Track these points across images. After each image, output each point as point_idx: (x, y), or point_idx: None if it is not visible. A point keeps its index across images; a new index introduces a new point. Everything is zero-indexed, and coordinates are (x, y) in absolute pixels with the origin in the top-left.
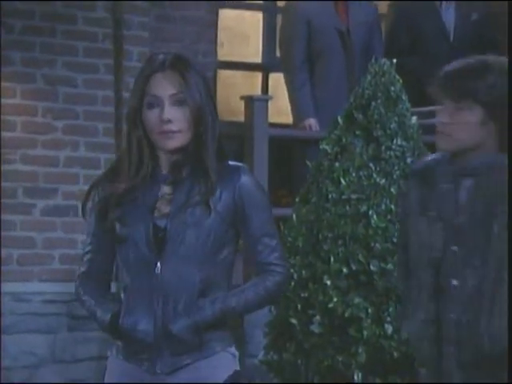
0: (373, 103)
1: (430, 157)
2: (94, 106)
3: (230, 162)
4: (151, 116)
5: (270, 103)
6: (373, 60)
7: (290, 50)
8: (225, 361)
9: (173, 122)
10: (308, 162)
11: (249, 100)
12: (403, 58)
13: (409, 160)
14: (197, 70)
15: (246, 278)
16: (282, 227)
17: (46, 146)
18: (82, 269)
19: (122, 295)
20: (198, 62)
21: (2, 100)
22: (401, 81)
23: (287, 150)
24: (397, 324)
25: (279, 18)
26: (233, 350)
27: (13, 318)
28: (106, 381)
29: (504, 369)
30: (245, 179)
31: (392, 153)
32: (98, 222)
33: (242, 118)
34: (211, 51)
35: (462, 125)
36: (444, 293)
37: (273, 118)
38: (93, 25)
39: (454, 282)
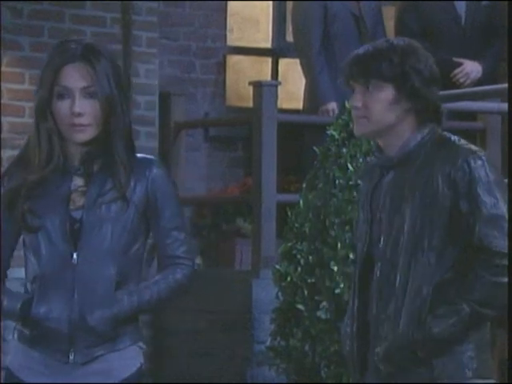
0: None
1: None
2: None
3: (139, 155)
4: (61, 107)
5: (279, 89)
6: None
7: (307, 35)
8: (134, 354)
9: (83, 116)
10: (315, 148)
11: (257, 85)
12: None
13: None
14: (109, 59)
15: (254, 264)
16: (289, 213)
17: None
18: None
19: (30, 285)
20: (206, 47)
21: (11, 85)
22: None
23: (296, 136)
24: None
25: (289, 3)
26: (141, 343)
27: None
28: (12, 366)
29: (427, 355)
30: (157, 172)
31: None
32: (4, 211)
33: (251, 104)
34: (220, 36)
35: (375, 105)
36: (369, 288)
37: (283, 104)
38: (101, 9)
39: (375, 278)
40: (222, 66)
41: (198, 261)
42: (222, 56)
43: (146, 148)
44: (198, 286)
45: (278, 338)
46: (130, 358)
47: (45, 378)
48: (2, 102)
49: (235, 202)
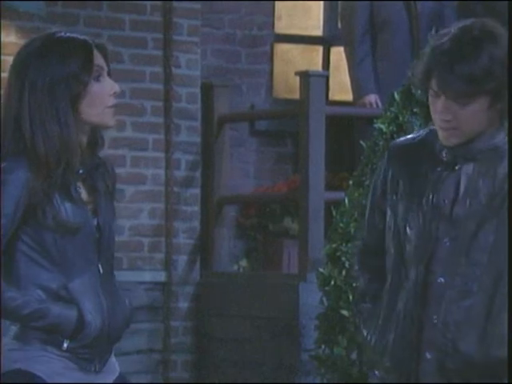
0: None
1: (413, 135)
2: (142, 83)
3: None
4: (101, 88)
5: (330, 79)
6: (433, 31)
7: (351, 21)
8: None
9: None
10: (362, 142)
11: (304, 76)
12: None
13: None
14: None
15: (301, 267)
16: (333, 212)
17: None
18: None
19: (44, 292)
20: (252, 35)
21: None
22: None
23: (347, 130)
24: None
25: None
26: None
27: None
28: (40, 373)
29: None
30: None
31: None
32: (22, 206)
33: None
34: (268, 23)
35: (469, 116)
36: (428, 291)
37: (335, 95)
38: None
39: (441, 279)
40: (270, 56)
41: (244, 264)
42: (269, 45)
43: (188, 143)
44: (242, 291)
45: (323, 346)
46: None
47: None
48: None
49: (282, 200)
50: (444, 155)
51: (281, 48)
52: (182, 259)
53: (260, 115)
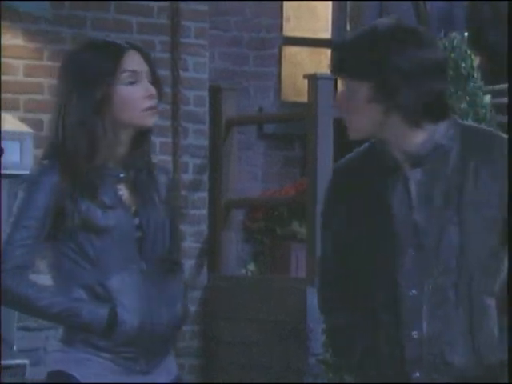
0: None
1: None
2: None
3: None
4: (133, 92)
5: (338, 82)
6: (441, 34)
7: (358, 22)
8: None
9: (154, 98)
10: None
11: (312, 78)
12: (484, 29)
13: None
14: None
15: (309, 271)
16: None
17: None
18: (14, 261)
19: (102, 290)
20: (260, 37)
21: (51, 80)
22: (473, 56)
23: None
24: None
25: None
26: None
27: None
28: (77, 374)
29: None
30: None
31: None
32: (52, 209)
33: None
34: (276, 26)
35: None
36: (402, 306)
37: None
38: None
39: (414, 292)
40: (278, 58)
41: (251, 267)
42: (277, 47)
43: (196, 146)
44: (250, 294)
45: (330, 350)
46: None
47: None
48: (42, 98)
49: (290, 204)
50: (390, 163)
51: (289, 50)
52: (189, 263)
53: (268, 118)
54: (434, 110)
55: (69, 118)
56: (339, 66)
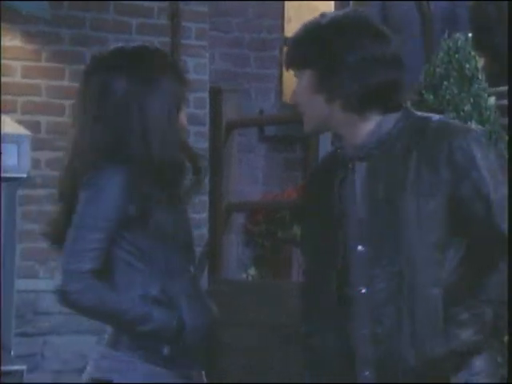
0: (445, 83)
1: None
2: None
3: None
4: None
5: None
6: (445, 35)
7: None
8: None
9: None
10: None
11: None
12: (489, 30)
13: None
14: None
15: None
16: None
17: None
18: (90, 265)
19: (163, 296)
20: (261, 38)
21: (49, 82)
22: (477, 57)
23: None
24: None
25: None
26: None
27: (61, 317)
28: None
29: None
30: None
31: None
32: (122, 212)
33: None
34: (277, 27)
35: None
36: (352, 304)
37: None
38: None
39: (362, 289)
40: (279, 60)
41: (252, 271)
42: (278, 48)
43: (196, 149)
44: (251, 299)
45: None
46: None
47: None
48: (40, 100)
49: (291, 207)
50: (343, 158)
51: None
52: None
53: (269, 120)
54: (382, 101)
55: (153, 125)
56: (287, 59)
